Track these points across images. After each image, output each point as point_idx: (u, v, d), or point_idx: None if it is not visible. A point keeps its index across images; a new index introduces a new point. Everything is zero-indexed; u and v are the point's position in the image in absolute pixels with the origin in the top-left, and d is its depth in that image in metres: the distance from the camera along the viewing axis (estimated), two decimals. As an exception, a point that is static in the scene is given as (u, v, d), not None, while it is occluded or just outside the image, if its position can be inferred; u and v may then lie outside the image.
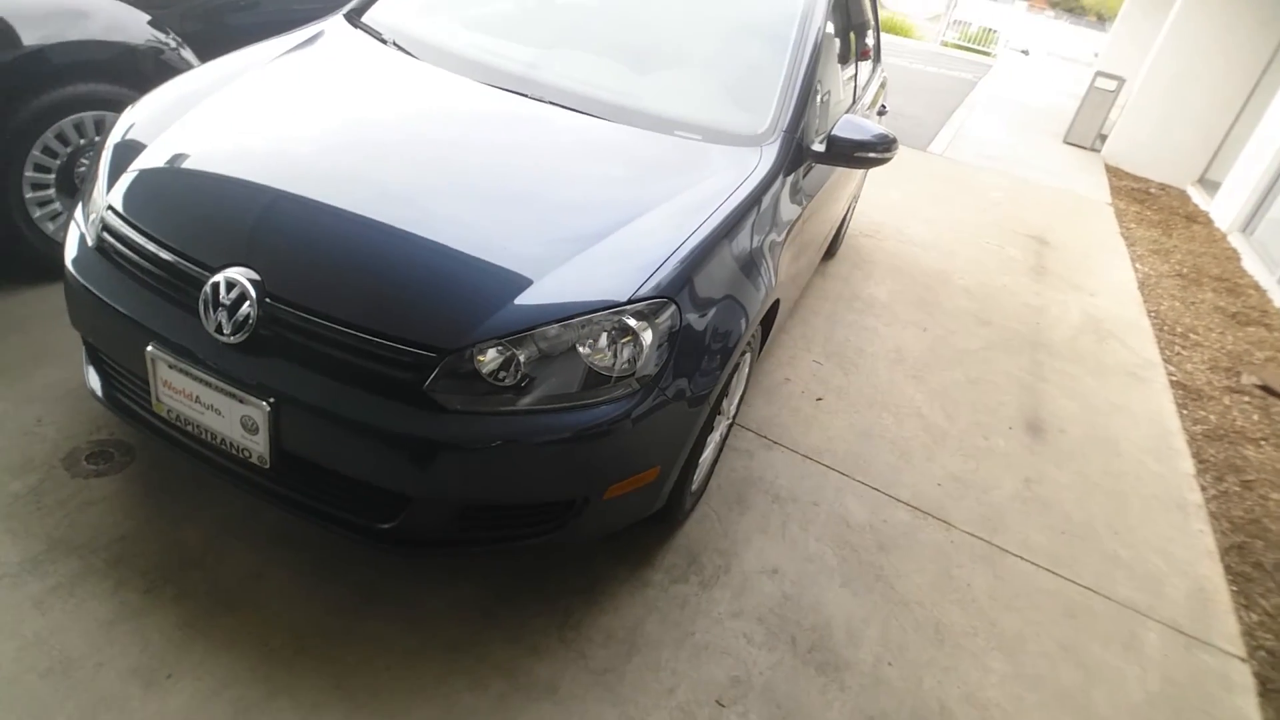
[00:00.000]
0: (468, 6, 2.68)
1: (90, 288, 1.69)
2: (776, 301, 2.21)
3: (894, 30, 20.71)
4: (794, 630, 1.96)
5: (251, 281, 1.53)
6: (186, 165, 1.78)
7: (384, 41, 2.33)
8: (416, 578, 1.87)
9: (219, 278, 1.54)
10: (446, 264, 1.60)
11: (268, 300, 1.53)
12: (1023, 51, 21.38)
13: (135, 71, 2.63)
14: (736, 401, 2.29)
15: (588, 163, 1.99)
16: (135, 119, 1.94)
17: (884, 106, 3.86)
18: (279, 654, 1.64)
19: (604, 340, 1.57)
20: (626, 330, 1.58)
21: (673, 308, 1.65)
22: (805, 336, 3.48)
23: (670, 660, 1.81)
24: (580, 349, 1.56)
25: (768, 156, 2.13)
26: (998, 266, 4.95)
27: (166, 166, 1.78)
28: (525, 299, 1.56)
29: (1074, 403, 3.45)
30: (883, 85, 4.06)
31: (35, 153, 2.42)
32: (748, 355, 2.19)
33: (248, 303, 1.52)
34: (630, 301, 1.60)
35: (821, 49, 2.42)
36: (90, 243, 1.75)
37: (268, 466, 1.59)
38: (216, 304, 1.53)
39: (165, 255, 1.62)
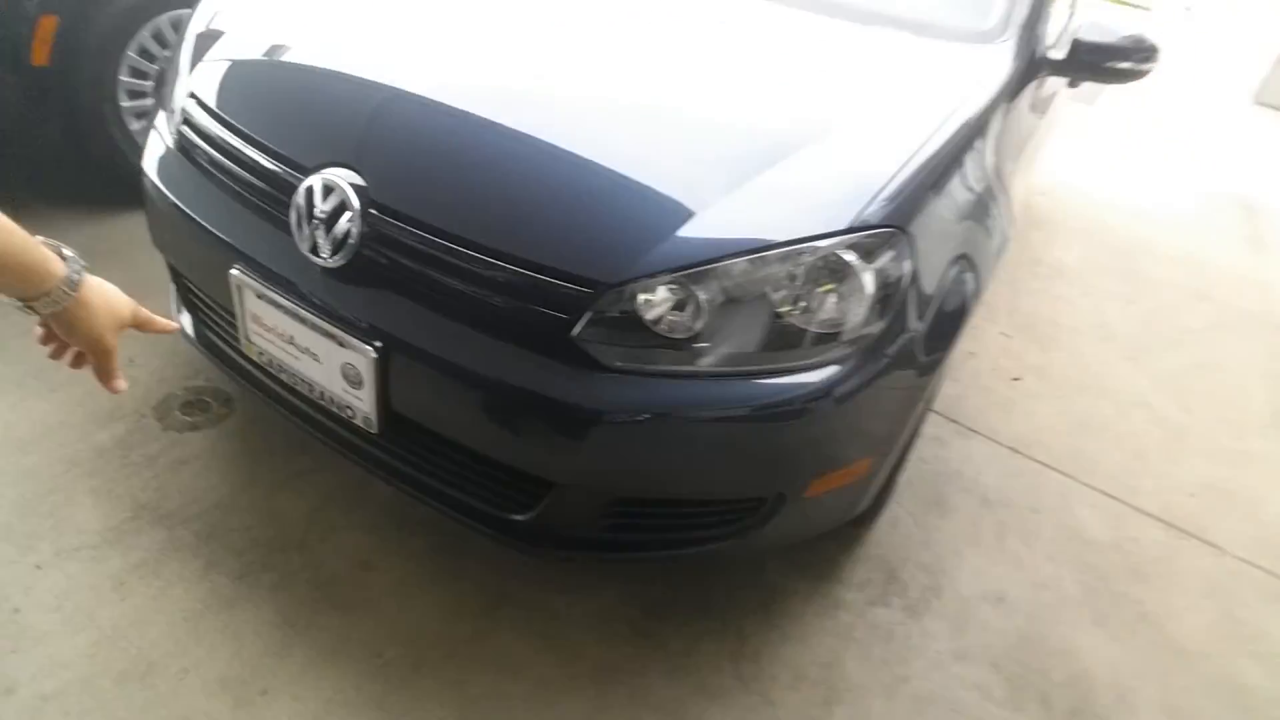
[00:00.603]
0: None
1: (169, 195, 1.38)
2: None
3: None
4: (1043, 684, 1.48)
5: (354, 187, 1.17)
6: (279, 52, 1.45)
7: None
8: (552, 578, 1.50)
9: (314, 181, 1.19)
10: (601, 180, 1.20)
11: (373, 211, 1.17)
12: (1185, 9, 19.11)
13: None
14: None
15: (773, 63, 1.54)
16: (220, 3, 1.62)
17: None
18: (393, 669, 1.30)
19: (806, 283, 1.13)
20: (841, 269, 1.14)
21: (904, 241, 1.18)
22: (985, 303, 2.89)
23: (884, 715, 1.38)
24: (773, 295, 1.12)
25: (1003, 58, 1.61)
26: (1203, 232, 4.17)
27: (255, 52, 1.46)
28: (703, 225, 1.14)
29: (1338, 398, 2.76)
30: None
31: (130, 53, 2.16)
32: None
33: (348, 214, 1.17)
34: (849, 230, 1.15)
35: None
36: (169, 143, 1.44)
37: (375, 431, 1.24)
38: (311, 216, 1.19)
39: (252, 153, 1.29)
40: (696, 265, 1.11)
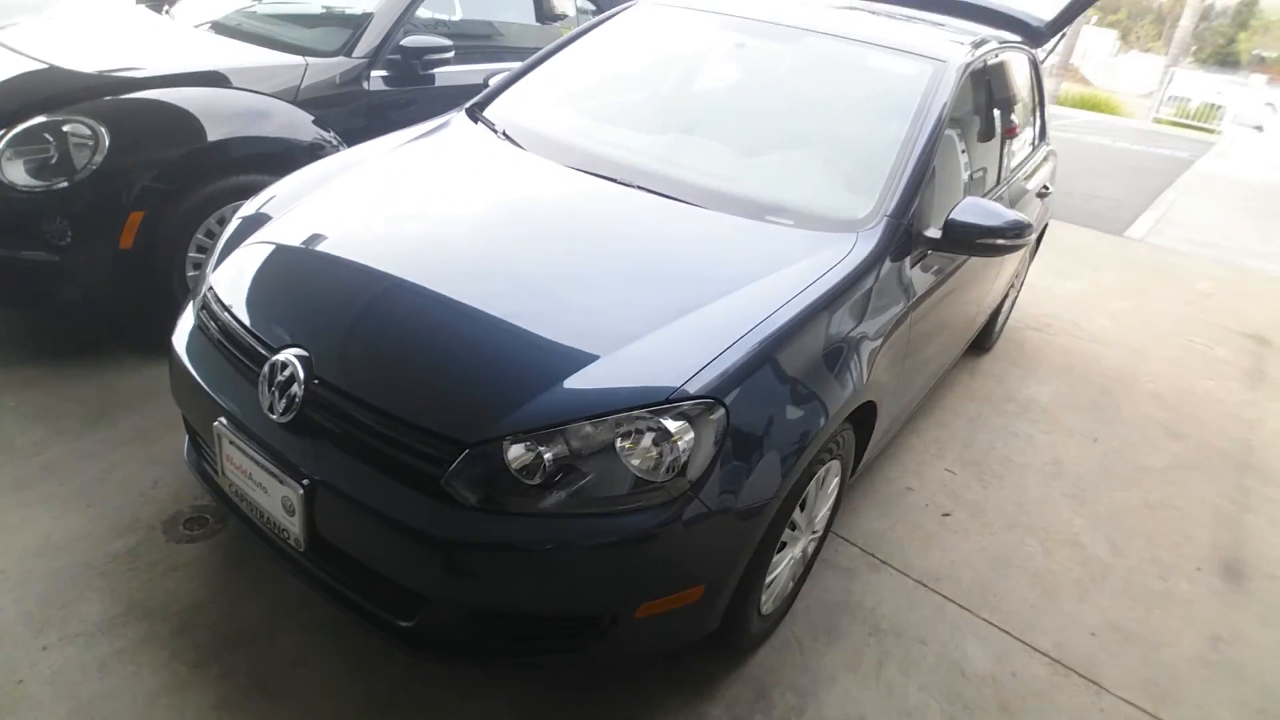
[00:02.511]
0: (584, 96, 2.72)
1: (185, 361, 1.81)
2: (872, 405, 1.96)
3: (1100, 108, 19.28)
4: (868, 804, 1.63)
5: (301, 361, 1.57)
6: (276, 248, 1.90)
7: (495, 131, 2.40)
8: (457, 681, 1.77)
9: (278, 357, 1.60)
10: (484, 352, 1.56)
11: (315, 382, 1.55)
12: (1256, 128, 18.99)
13: (295, 166, 2.93)
14: (824, 514, 2.02)
15: (659, 250, 1.90)
16: (255, 205, 2.12)
17: (1047, 187, 3.48)
18: (298, 750, 1.59)
19: (647, 440, 1.44)
20: (663, 433, 1.44)
21: (720, 410, 1.48)
22: (939, 441, 3.10)
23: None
24: (620, 449, 1.43)
25: (864, 244, 1.93)
26: (1201, 369, 4.22)
27: (260, 249, 1.91)
28: (562, 391, 1.47)
29: (1294, 542, 2.77)
30: (1045, 162, 3.66)
31: (199, 235, 2.73)
32: (834, 463, 1.94)
33: (296, 383, 1.56)
34: (669, 401, 1.46)
35: (942, 129, 2.20)
36: (193, 321, 1.90)
37: (302, 549, 1.59)
38: (273, 383, 1.58)
39: (241, 333, 1.71)
40: (546, 427, 1.44)
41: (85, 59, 2.76)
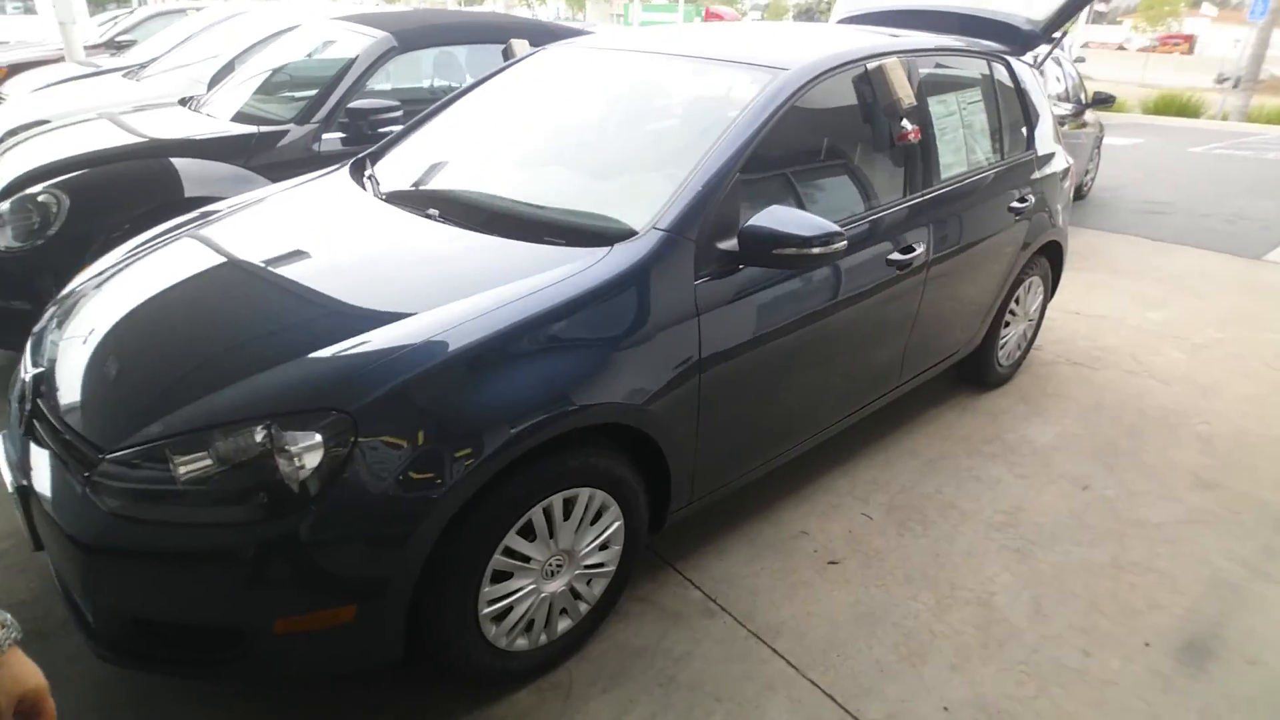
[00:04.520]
0: (447, 136, 2.66)
1: None
2: (647, 438, 1.82)
3: (1173, 110, 16.30)
4: None
5: (33, 379, 1.74)
6: (79, 294, 2.07)
7: (357, 179, 2.51)
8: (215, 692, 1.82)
9: (23, 376, 1.80)
10: (149, 369, 1.66)
11: (36, 398, 1.71)
12: None
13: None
14: (585, 549, 1.85)
15: (393, 274, 1.88)
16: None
17: (1024, 200, 3.04)
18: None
19: (265, 449, 1.44)
20: (281, 442, 1.43)
21: (349, 420, 1.45)
22: (874, 482, 2.76)
23: None
24: (239, 459, 1.44)
25: (617, 257, 1.82)
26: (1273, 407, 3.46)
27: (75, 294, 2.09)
28: (203, 402, 1.51)
29: (1312, 621, 2.16)
30: (1036, 174, 3.18)
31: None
32: (599, 495, 1.80)
33: (25, 399, 1.73)
34: (296, 412, 1.45)
35: (756, 138, 2.02)
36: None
37: (33, 549, 1.72)
38: (19, 398, 1.77)
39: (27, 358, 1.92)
40: (170, 436, 1.47)
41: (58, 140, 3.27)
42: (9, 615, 0.81)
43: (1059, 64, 6.60)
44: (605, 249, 1.84)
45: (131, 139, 3.23)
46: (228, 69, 4.60)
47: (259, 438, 1.44)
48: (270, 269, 1.94)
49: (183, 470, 1.45)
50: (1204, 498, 2.76)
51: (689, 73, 2.42)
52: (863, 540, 2.45)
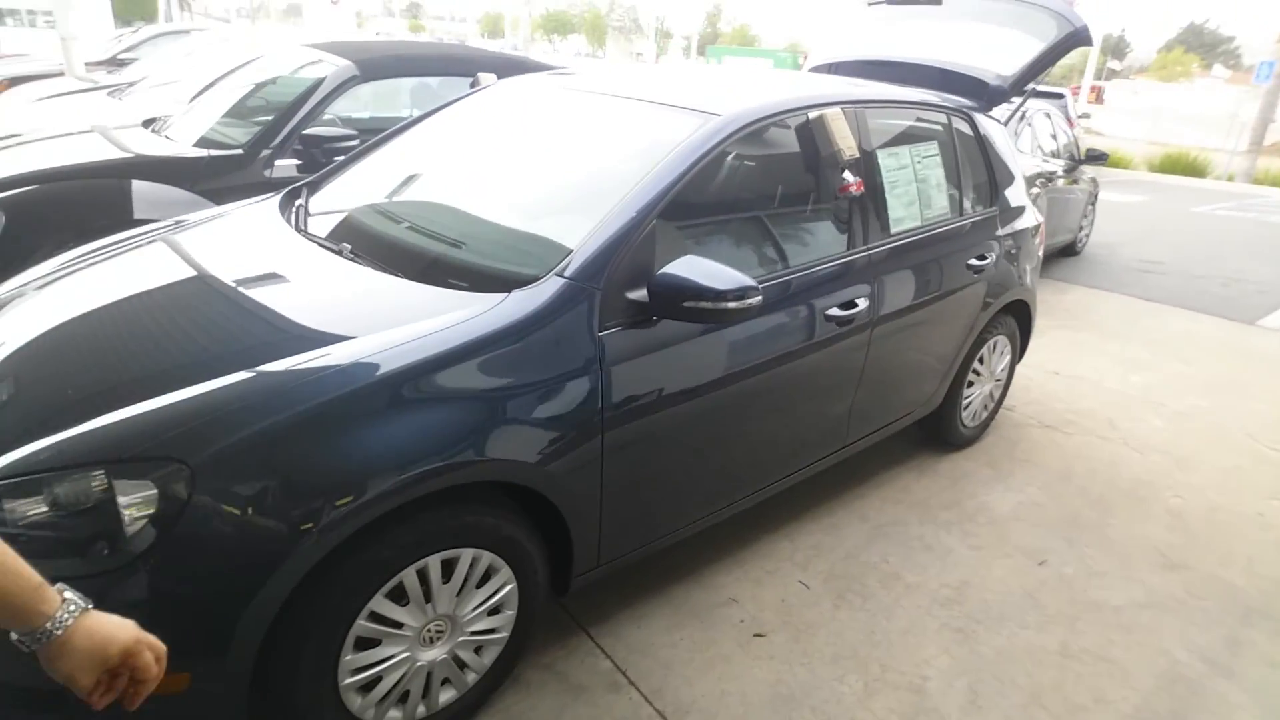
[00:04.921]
0: (384, 171, 2.55)
1: None
2: (545, 499, 1.70)
3: (1179, 169, 16.36)
4: None
5: None
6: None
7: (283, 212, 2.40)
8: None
9: None
10: (17, 398, 1.56)
11: None
12: None
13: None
14: (470, 614, 1.71)
15: (282, 312, 1.77)
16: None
17: (983, 257, 2.93)
18: None
19: (94, 500, 1.32)
20: (110, 490, 1.31)
21: (185, 471, 1.33)
22: (817, 547, 2.61)
23: None
24: (86, 505, 1.32)
25: (514, 305, 1.70)
26: (1268, 487, 3.29)
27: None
28: (46, 443, 1.38)
29: (1271, 726, 1.99)
30: (1000, 230, 3.07)
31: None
32: (486, 557, 1.67)
33: None
34: (122, 461, 1.33)
35: (678, 184, 1.91)
36: None
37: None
38: None
39: None
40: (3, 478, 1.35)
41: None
42: (70, 589, 0.78)
43: (1049, 118, 6.55)
44: (502, 295, 1.73)
45: (84, 159, 3.18)
46: (206, 92, 4.58)
47: (95, 484, 1.33)
48: (160, 302, 1.85)
49: (15, 513, 1.33)
50: (1168, 580, 2.60)
51: (628, 115, 2.33)
52: (795, 611, 2.30)
